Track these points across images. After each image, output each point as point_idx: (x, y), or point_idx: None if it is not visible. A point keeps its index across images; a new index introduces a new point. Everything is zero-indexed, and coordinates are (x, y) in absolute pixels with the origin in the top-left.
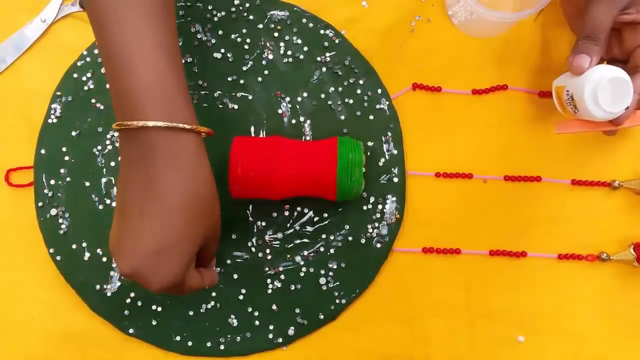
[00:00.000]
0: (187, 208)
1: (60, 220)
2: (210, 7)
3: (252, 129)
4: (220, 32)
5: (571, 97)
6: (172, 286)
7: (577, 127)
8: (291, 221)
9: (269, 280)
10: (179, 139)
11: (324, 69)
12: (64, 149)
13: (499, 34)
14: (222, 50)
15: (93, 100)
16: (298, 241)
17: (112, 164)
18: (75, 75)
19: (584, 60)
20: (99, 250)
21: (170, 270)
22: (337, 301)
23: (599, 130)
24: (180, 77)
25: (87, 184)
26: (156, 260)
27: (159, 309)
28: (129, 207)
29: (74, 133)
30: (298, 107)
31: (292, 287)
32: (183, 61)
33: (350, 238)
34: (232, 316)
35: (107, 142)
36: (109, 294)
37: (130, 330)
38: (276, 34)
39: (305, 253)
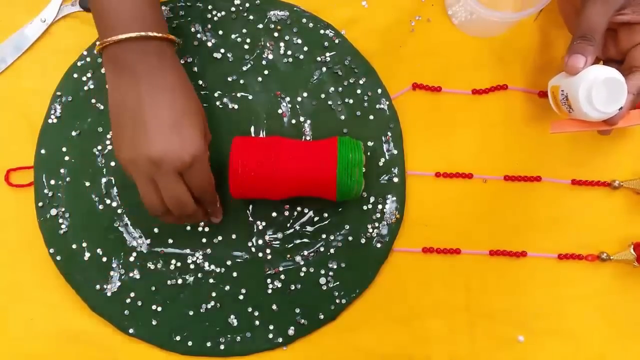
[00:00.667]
0: (183, 88)
1: (60, 220)
2: (210, 7)
3: (252, 129)
4: (220, 32)
5: (566, 97)
6: (200, 153)
7: (572, 126)
8: (291, 221)
9: (269, 280)
10: (160, 44)
11: (324, 69)
12: (64, 149)
13: (499, 34)
14: (222, 50)
15: (93, 100)
16: (298, 241)
17: (112, 164)
18: (75, 75)
19: (578, 60)
20: (99, 250)
21: (192, 136)
22: (337, 301)
23: (594, 130)
24: None
25: (87, 184)
26: (177, 131)
27: (159, 309)
28: (138, 102)
29: (74, 133)
30: (298, 107)
31: (292, 287)
32: (183, 61)
33: (350, 238)
34: (232, 316)
35: (107, 142)
36: (109, 294)
37: (130, 330)
38: (276, 34)
39: (305, 253)
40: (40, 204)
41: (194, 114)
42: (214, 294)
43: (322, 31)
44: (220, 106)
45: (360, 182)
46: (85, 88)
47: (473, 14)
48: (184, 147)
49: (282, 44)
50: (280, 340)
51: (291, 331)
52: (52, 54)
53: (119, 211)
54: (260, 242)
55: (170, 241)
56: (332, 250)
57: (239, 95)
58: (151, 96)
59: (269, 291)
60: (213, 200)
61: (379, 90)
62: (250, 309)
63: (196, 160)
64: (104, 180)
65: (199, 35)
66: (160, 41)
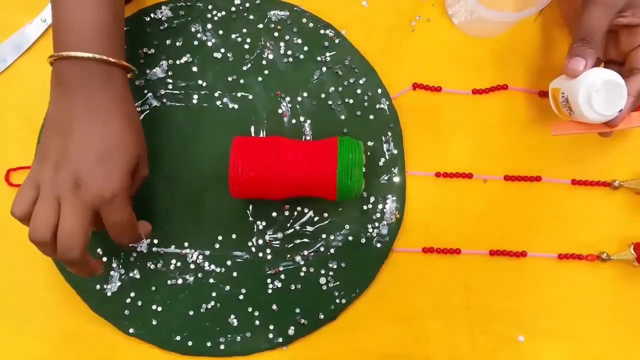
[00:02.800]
0: (121, 119)
1: None
2: (210, 7)
3: (252, 129)
4: (220, 32)
5: (566, 100)
6: (120, 190)
7: (573, 128)
8: (291, 221)
9: (269, 280)
10: (111, 69)
11: (324, 69)
12: None
13: (499, 34)
14: (222, 50)
15: None
16: (298, 241)
17: None
18: None
19: (578, 63)
20: (99, 250)
21: (118, 172)
22: (337, 301)
23: (594, 132)
24: (115, 19)
25: None
26: (102, 164)
27: (159, 308)
28: (70, 123)
29: None
30: (298, 107)
31: (292, 287)
32: (183, 61)
33: (350, 238)
34: (232, 316)
35: None
36: (109, 294)
37: (130, 330)
38: (276, 34)
39: (305, 253)
40: None
41: (126, 149)
42: (214, 294)
43: (322, 31)
44: (220, 106)
45: (360, 182)
46: None
47: (473, 14)
48: (106, 182)
49: (282, 44)
50: (280, 340)
51: (291, 331)
52: None
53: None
54: (260, 242)
55: (171, 241)
56: (332, 250)
57: (239, 95)
58: (83, 121)
59: (269, 291)
60: (133, 240)
61: (379, 90)
62: (250, 309)
63: (115, 199)
64: None
65: (199, 35)
66: (111, 66)
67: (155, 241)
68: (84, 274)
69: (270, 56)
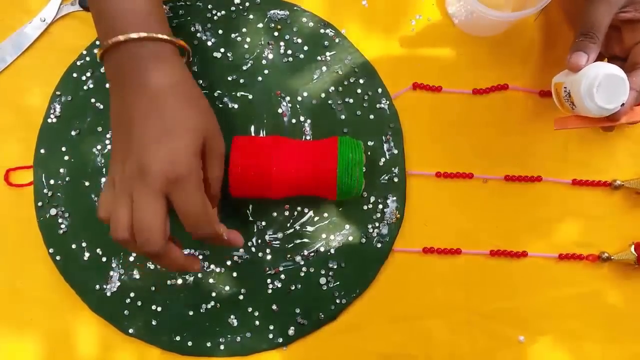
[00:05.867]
0: (179, 99)
1: (60, 220)
2: (210, 7)
3: (252, 128)
4: (220, 32)
5: (569, 94)
6: (188, 172)
7: (576, 123)
8: (291, 221)
9: (269, 280)
10: (163, 49)
11: (324, 69)
12: (63, 149)
13: (498, 33)
14: (222, 50)
15: (93, 100)
16: (298, 241)
17: None
18: (74, 75)
19: (581, 57)
20: (98, 250)
21: (178, 152)
22: (337, 301)
23: (597, 127)
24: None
25: (87, 183)
26: (162, 145)
27: (159, 309)
28: (129, 113)
29: (73, 133)
30: (298, 106)
31: (292, 287)
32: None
33: (350, 238)
34: (232, 316)
35: (107, 141)
36: (108, 294)
37: (130, 330)
38: (276, 34)
39: (305, 253)
40: (40, 203)
41: (188, 129)
42: (213, 294)
43: (322, 31)
44: (220, 106)
45: (360, 181)
46: (85, 87)
47: (473, 13)
48: (169, 163)
49: (282, 44)
50: (280, 340)
51: (291, 331)
52: (52, 54)
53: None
54: (260, 242)
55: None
56: (332, 250)
57: (239, 94)
58: (140, 108)
59: (269, 291)
60: (209, 233)
61: (379, 90)
62: (250, 309)
63: (182, 180)
64: (103, 180)
65: (198, 35)
66: (164, 46)
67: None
68: (172, 268)
69: (270, 56)
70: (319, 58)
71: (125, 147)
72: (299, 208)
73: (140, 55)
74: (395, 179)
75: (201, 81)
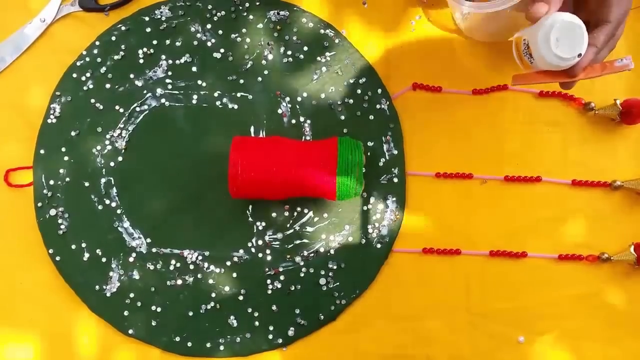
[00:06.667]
0: None
1: (60, 221)
2: (210, 7)
3: (252, 129)
4: (220, 32)
5: (527, 46)
6: None
7: (534, 78)
8: (291, 221)
9: (269, 281)
10: None
11: (324, 69)
12: (63, 149)
13: (507, 38)
14: (222, 50)
15: (92, 100)
16: (298, 241)
17: (112, 164)
18: (74, 75)
19: (541, 7)
20: (98, 251)
21: None
22: (337, 301)
23: (556, 82)
24: None
25: (87, 184)
26: None
27: (159, 309)
28: None
29: (73, 133)
30: (298, 107)
31: (292, 288)
32: (183, 61)
33: (350, 238)
34: (232, 317)
35: (107, 142)
36: (108, 295)
37: (130, 331)
38: (276, 34)
39: (305, 253)
40: (40, 204)
41: None
42: (213, 295)
43: (322, 31)
44: (220, 106)
45: (360, 182)
46: (85, 88)
47: (469, 14)
48: None
49: (282, 44)
50: (280, 340)
51: (291, 332)
52: (52, 54)
53: (118, 211)
54: (260, 242)
55: (170, 242)
56: (332, 251)
57: (238, 95)
58: None
59: (269, 292)
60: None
61: (379, 90)
62: (250, 310)
63: None
64: (103, 180)
65: (198, 35)
66: None
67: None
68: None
69: (270, 56)
70: (318, 58)
71: None
72: (298, 208)
73: None
74: (395, 179)
75: (201, 81)
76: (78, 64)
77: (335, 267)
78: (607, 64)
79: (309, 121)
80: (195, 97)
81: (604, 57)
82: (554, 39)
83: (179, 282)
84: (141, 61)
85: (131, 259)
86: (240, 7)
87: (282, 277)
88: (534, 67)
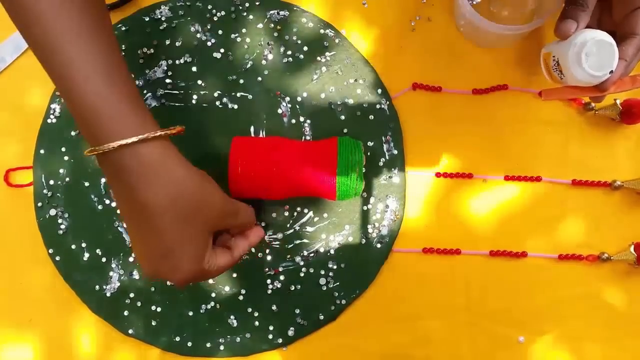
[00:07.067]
0: (173, 211)
1: (60, 221)
2: (210, 7)
3: (252, 129)
4: (220, 32)
5: (557, 63)
6: (194, 278)
7: (564, 93)
8: (291, 221)
9: (269, 281)
10: (142, 151)
11: (324, 69)
12: (63, 149)
13: (510, 46)
14: (222, 50)
15: None
16: (298, 241)
17: None
18: None
19: (570, 25)
20: (98, 251)
21: (184, 266)
22: (337, 301)
23: (586, 96)
24: (129, 90)
25: (87, 184)
26: (168, 262)
27: (159, 309)
28: (129, 220)
29: (73, 133)
30: (298, 107)
31: (292, 288)
32: (183, 61)
33: (350, 238)
34: (232, 317)
35: None
36: (108, 295)
37: (130, 331)
38: (276, 34)
39: (305, 253)
40: (40, 204)
41: (194, 234)
42: (213, 295)
43: (322, 31)
44: (220, 106)
45: (360, 182)
46: None
47: (479, 29)
48: (175, 276)
49: (282, 44)
50: (280, 340)
51: (291, 332)
52: None
53: (118, 211)
54: (260, 242)
55: None
56: (332, 251)
57: (238, 95)
58: (137, 221)
59: (269, 291)
60: (228, 263)
61: (379, 90)
62: (250, 310)
63: (192, 280)
64: (103, 180)
65: (198, 35)
66: (161, 140)
67: None
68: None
69: (270, 56)
70: (318, 58)
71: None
72: (298, 208)
73: (125, 165)
74: (395, 179)
75: (201, 81)
76: None
77: (335, 267)
78: (638, 77)
79: (309, 121)
80: (195, 97)
81: (632, 69)
82: (585, 58)
83: None
84: (141, 61)
85: (131, 259)
86: (240, 7)
87: (282, 277)
88: (564, 83)
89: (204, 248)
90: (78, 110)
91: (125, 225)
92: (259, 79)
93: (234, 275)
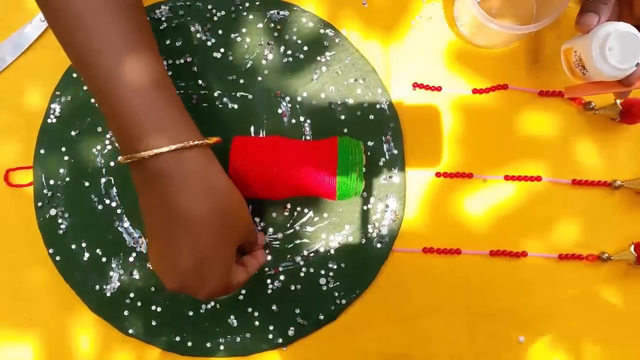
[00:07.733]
0: (211, 222)
1: (60, 221)
2: (210, 7)
3: (252, 128)
4: (220, 32)
5: (579, 58)
6: (219, 292)
7: (587, 90)
8: (291, 221)
9: (269, 281)
10: (184, 158)
11: (323, 69)
12: (63, 149)
13: (511, 46)
14: (222, 50)
15: (92, 100)
16: (298, 241)
17: (112, 164)
18: (74, 75)
19: (591, 18)
20: (98, 251)
21: (213, 279)
22: (337, 301)
23: (610, 92)
24: (171, 96)
25: (87, 184)
26: (198, 275)
27: (159, 309)
28: (159, 231)
29: (73, 133)
30: (298, 106)
31: (292, 288)
32: (183, 61)
33: (350, 238)
34: (232, 316)
35: (107, 141)
36: (108, 295)
37: (130, 331)
38: (276, 34)
39: (305, 253)
40: (40, 204)
41: (225, 247)
42: None
43: (322, 31)
44: (220, 106)
45: (360, 182)
46: (85, 87)
47: (482, 28)
48: (203, 289)
49: (282, 44)
50: (280, 340)
51: (291, 332)
52: (52, 54)
53: (119, 211)
54: None
55: None
56: (332, 251)
57: (238, 95)
58: (173, 229)
59: (269, 291)
60: (244, 278)
61: (379, 90)
62: (250, 310)
63: (217, 294)
64: (103, 180)
65: (198, 35)
66: (203, 148)
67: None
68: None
69: (270, 56)
70: (318, 58)
71: (161, 260)
72: (299, 208)
73: (166, 172)
74: (395, 179)
75: (201, 81)
76: None
77: (335, 267)
78: None
79: (309, 121)
80: (195, 97)
81: None
82: (610, 51)
83: None
84: None
85: (131, 259)
86: (240, 7)
87: (282, 277)
88: (587, 79)
89: (232, 262)
90: (118, 116)
91: (147, 239)
92: (259, 78)
93: None
